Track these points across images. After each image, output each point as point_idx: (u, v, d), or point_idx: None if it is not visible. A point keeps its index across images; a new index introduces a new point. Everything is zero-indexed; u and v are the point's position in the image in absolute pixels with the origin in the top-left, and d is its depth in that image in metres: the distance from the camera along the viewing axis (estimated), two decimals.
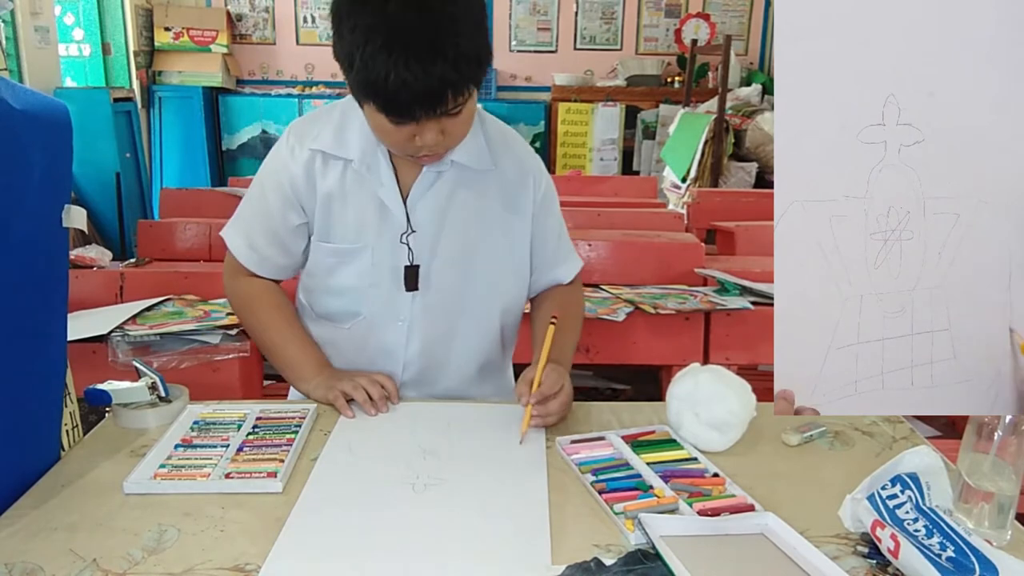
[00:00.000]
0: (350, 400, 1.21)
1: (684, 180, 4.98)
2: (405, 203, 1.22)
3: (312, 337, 1.33)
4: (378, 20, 0.97)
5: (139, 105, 5.82)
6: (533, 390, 1.13)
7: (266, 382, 2.28)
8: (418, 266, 1.24)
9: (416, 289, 1.25)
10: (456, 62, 0.98)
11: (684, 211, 3.98)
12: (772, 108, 3.17)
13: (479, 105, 1.24)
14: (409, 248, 1.23)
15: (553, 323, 1.22)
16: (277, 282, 1.35)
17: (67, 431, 1.12)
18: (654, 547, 0.81)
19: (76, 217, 1.03)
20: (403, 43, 0.96)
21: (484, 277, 1.28)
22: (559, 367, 1.19)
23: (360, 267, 1.25)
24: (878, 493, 0.88)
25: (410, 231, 1.23)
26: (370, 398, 1.20)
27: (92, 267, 2.51)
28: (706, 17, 6.79)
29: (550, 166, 6.72)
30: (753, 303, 2.22)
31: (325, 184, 1.22)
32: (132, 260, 2.62)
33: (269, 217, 1.26)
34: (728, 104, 4.95)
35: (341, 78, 1.51)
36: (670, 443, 1.10)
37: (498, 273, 1.30)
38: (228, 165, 6.59)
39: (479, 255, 1.27)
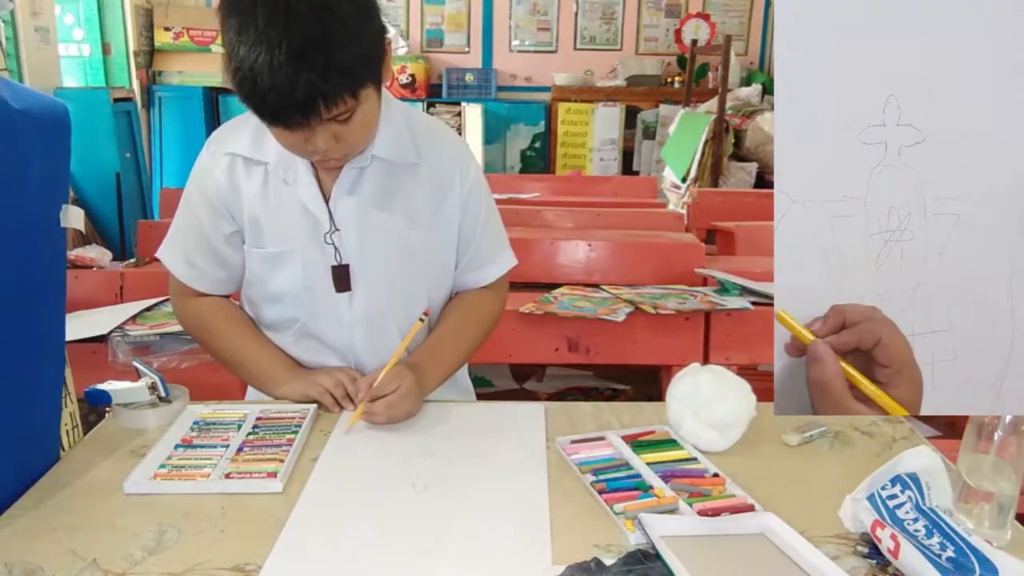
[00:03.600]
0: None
1: (684, 180, 4.98)
2: (328, 202, 1.20)
3: (273, 342, 1.30)
4: (247, 23, 0.95)
5: (139, 105, 5.81)
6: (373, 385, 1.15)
7: None
8: (347, 266, 1.22)
9: (348, 289, 1.23)
10: (324, 73, 0.95)
11: (684, 211, 3.98)
12: (772, 108, 3.17)
13: (400, 103, 1.24)
14: (336, 248, 1.21)
15: (421, 320, 1.23)
16: (226, 297, 1.33)
17: (67, 431, 1.12)
18: (654, 547, 0.81)
19: (74, 217, 1.03)
20: (268, 50, 0.94)
21: (417, 274, 1.26)
22: (406, 369, 1.18)
23: (292, 271, 1.22)
24: (878, 493, 0.88)
25: (334, 230, 1.20)
26: (349, 396, 1.21)
27: (92, 267, 2.51)
28: (706, 17, 6.79)
29: (550, 166, 6.73)
30: (753, 303, 2.22)
31: (249, 189, 1.20)
32: (132, 260, 2.61)
33: (201, 230, 1.24)
34: (728, 104, 4.95)
35: None
36: (670, 443, 1.10)
37: (430, 270, 1.28)
38: None
39: (408, 252, 1.24)
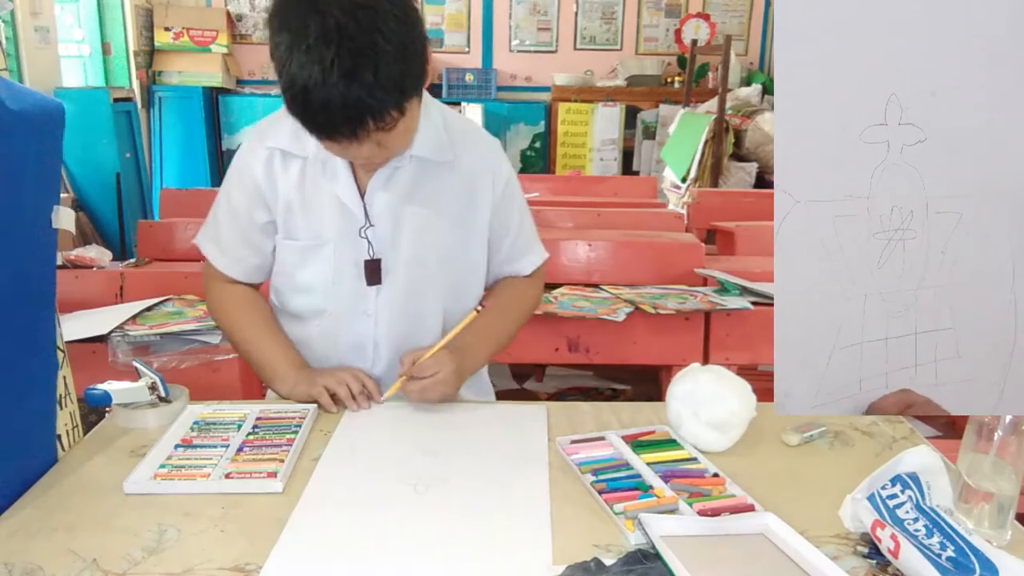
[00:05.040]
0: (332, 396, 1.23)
1: (684, 180, 4.98)
2: (364, 197, 1.23)
3: (288, 338, 1.33)
4: (299, 41, 0.97)
5: (139, 105, 5.81)
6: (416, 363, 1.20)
7: None
8: (379, 260, 1.25)
9: (379, 283, 1.26)
10: (372, 90, 0.98)
11: (684, 211, 3.98)
12: (772, 108, 3.17)
13: (438, 102, 1.27)
14: (369, 242, 1.24)
15: (477, 311, 1.24)
16: (255, 287, 1.37)
17: (67, 431, 1.12)
18: (654, 547, 0.81)
19: (65, 218, 1.03)
20: (321, 68, 0.96)
21: (443, 269, 1.29)
22: (449, 355, 1.21)
23: (323, 263, 1.26)
24: (878, 493, 0.88)
25: (368, 225, 1.23)
26: (352, 394, 1.22)
27: (92, 267, 2.50)
28: (706, 17, 6.79)
29: (550, 166, 6.72)
30: (753, 303, 2.22)
31: (286, 182, 1.24)
32: (132, 260, 2.61)
33: (236, 218, 1.28)
34: (728, 104, 4.94)
35: None
36: (670, 443, 1.10)
37: (456, 265, 1.31)
38: (228, 165, 6.57)
39: (438, 247, 1.27)
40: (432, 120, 1.22)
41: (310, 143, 1.19)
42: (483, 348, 1.32)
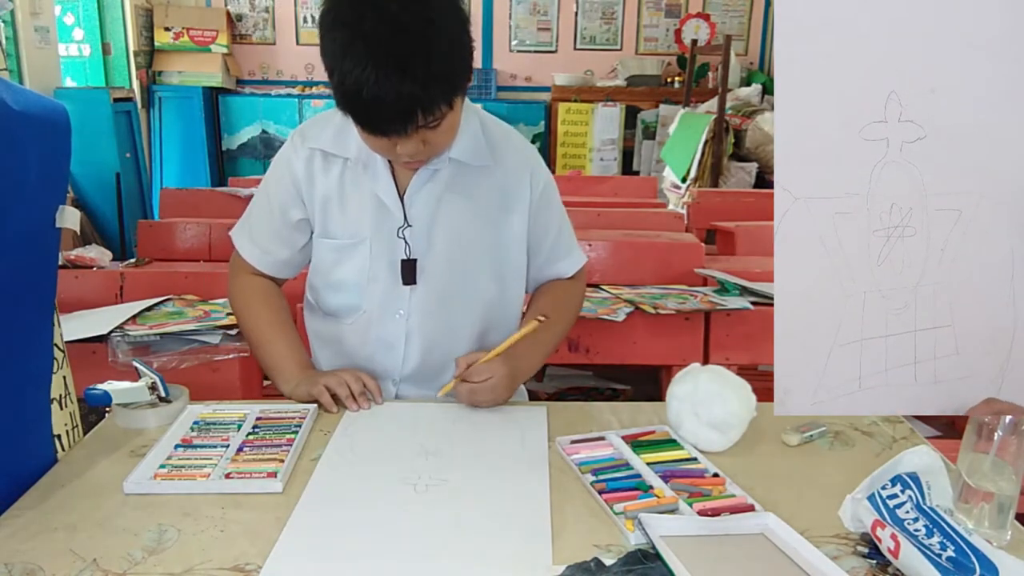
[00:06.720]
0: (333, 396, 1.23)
1: (684, 180, 4.98)
2: (402, 198, 1.25)
3: (299, 338, 1.34)
4: (355, 36, 0.99)
5: (139, 105, 5.81)
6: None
7: (266, 382, 2.27)
8: (415, 260, 1.26)
9: (414, 283, 1.27)
10: (425, 82, 1.00)
11: (684, 211, 3.98)
12: (772, 108, 3.17)
13: (478, 105, 1.30)
14: (406, 242, 1.25)
15: (539, 321, 1.24)
16: (278, 284, 1.39)
17: (67, 431, 1.12)
18: (654, 547, 0.81)
19: (69, 218, 1.03)
20: (375, 62, 0.98)
21: (479, 271, 1.30)
22: (502, 361, 1.22)
23: (359, 262, 1.27)
24: (878, 493, 0.88)
25: (406, 225, 1.25)
26: (352, 394, 1.23)
27: (92, 267, 2.50)
28: (706, 17, 6.79)
29: (550, 166, 6.71)
30: (753, 303, 2.22)
31: (325, 182, 1.26)
32: (132, 260, 2.61)
33: (271, 212, 1.31)
34: (728, 104, 4.94)
35: None
36: (670, 443, 1.10)
37: (493, 267, 1.31)
38: (228, 165, 6.58)
39: (474, 249, 1.29)
40: (471, 125, 1.25)
41: (352, 145, 1.23)
42: (536, 354, 1.33)
